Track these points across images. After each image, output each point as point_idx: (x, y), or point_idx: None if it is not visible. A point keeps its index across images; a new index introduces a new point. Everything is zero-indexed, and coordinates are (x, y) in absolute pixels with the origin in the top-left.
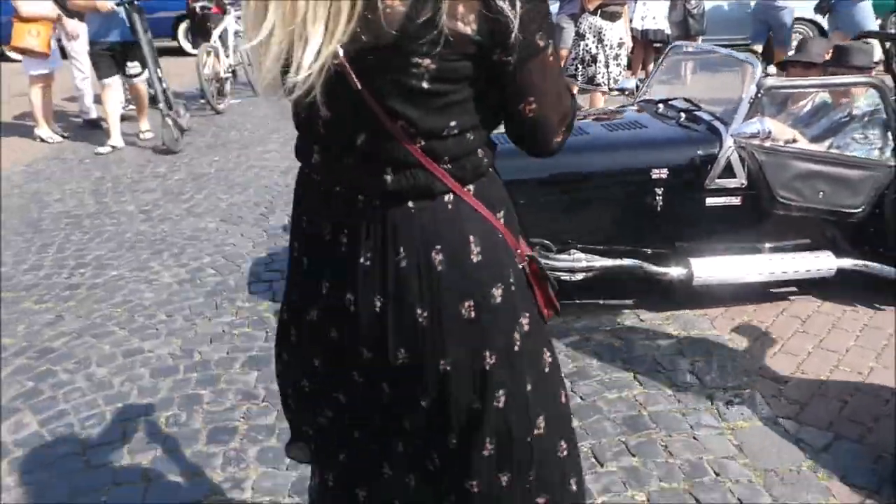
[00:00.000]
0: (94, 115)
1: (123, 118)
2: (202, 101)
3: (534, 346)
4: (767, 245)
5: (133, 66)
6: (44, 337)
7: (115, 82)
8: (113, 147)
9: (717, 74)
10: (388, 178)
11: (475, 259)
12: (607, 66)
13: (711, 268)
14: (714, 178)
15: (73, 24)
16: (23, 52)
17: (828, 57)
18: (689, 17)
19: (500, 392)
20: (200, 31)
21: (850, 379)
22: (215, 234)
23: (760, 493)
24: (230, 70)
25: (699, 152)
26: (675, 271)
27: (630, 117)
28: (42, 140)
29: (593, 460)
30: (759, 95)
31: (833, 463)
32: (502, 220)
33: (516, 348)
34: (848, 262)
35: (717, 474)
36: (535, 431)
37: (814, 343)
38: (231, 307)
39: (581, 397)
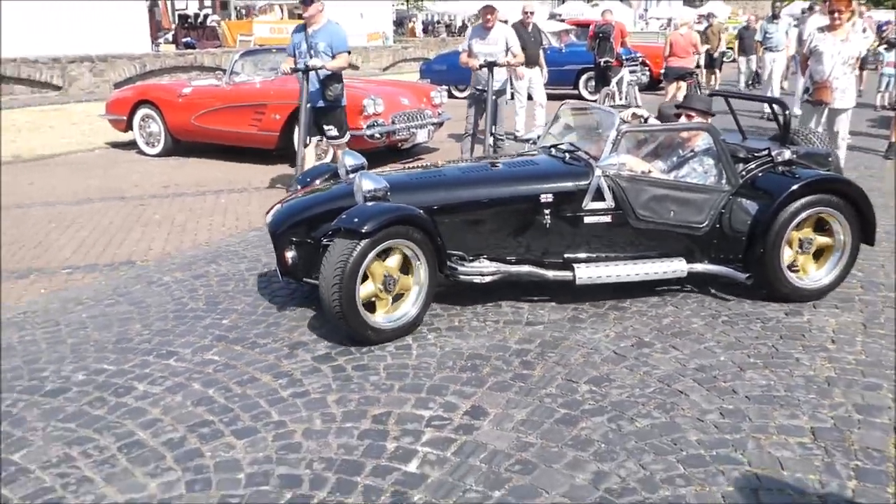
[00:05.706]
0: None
1: None
2: None
3: None
4: (634, 253)
5: (329, 129)
6: None
7: None
8: None
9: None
10: None
11: None
12: None
13: (590, 272)
14: (588, 201)
15: (521, 69)
16: None
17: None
18: None
19: None
20: (601, 79)
21: None
22: None
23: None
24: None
25: (578, 182)
26: (560, 274)
27: (528, 158)
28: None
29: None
30: (619, 137)
31: None
32: None
33: None
34: (697, 267)
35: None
36: None
37: None
38: None
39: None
